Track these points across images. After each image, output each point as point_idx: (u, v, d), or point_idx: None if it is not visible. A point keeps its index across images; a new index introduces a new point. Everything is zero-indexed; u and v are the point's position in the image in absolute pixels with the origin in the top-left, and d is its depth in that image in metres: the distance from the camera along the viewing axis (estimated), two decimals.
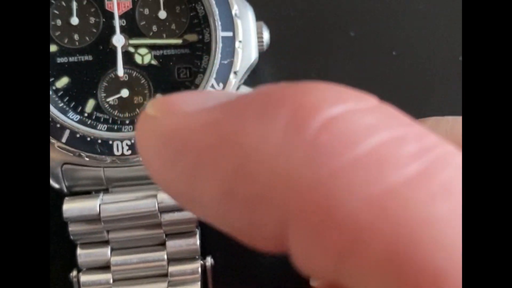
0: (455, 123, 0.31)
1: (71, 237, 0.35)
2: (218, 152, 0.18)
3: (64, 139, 0.34)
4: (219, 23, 0.35)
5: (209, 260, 0.36)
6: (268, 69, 0.40)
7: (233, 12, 0.35)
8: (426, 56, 0.41)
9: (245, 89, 0.36)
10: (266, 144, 0.17)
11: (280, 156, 0.17)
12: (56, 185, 0.36)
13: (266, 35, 0.37)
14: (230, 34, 0.35)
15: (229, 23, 0.35)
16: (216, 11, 0.35)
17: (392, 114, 0.19)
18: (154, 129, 0.19)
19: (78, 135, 0.34)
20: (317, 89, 0.19)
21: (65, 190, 0.36)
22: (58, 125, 0.34)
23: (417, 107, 0.41)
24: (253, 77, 0.39)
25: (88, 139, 0.34)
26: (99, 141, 0.34)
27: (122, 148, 0.34)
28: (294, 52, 0.41)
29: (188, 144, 0.19)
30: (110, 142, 0.34)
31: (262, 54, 0.38)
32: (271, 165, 0.17)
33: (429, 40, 0.41)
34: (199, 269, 0.36)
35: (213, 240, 0.39)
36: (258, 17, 0.38)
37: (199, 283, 0.36)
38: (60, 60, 0.36)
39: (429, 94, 0.40)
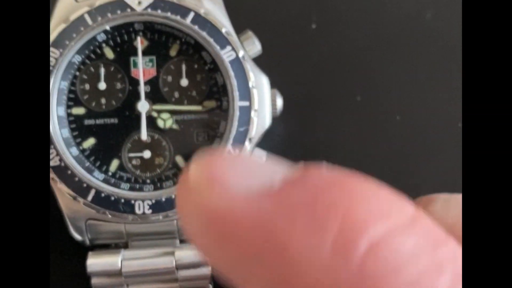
0: (450, 203, 0.32)
1: None
2: (264, 255, 0.18)
3: (90, 198, 0.36)
4: (237, 93, 0.37)
5: None
6: (279, 131, 0.42)
7: (250, 84, 0.37)
8: (428, 122, 0.43)
9: (259, 152, 0.38)
10: (313, 259, 0.18)
11: (327, 275, 0.17)
12: (79, 238, 0.37)
13: (279, 102, 0.39)
14: (246, 103, 0.37)
15: (246, 93, 0.37)
16: (234, 82, 0.37)
17: (428, 231, 0.20)
18: (197, 203, 0.19)
19: (103, 195, 0.36)
20: (363, 198, 0.19)
21: (87, 242, 0.38)
22: (85, 185, 0.36)
23: (418, 169, 0.43)
24: (266, 138, 0.41)
25: (112, 198, 0.36)
26: (122, 200, 0.36)
27: (144, 207, 0.36)
28: (304, 114, 0.42)
29: (233, 235, 0.19)
30: (132, 201, 0.36)
31: (275, 118, 0.40)
32: (316, 281, 0.18)
33: (430, 107, 0.43)
34: None
35: None
36: (271, 83, 0.40)
37: None
38: (87, 122, 0.38)
39: (430, 158, 0.42)
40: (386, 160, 0.42)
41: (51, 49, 0.36)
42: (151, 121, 0.38)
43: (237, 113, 0.37)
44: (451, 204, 0.31)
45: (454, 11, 0.44)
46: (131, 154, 0.38)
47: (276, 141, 0.42)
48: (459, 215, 0.31)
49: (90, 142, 0.38)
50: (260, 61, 0.40)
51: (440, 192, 0.35)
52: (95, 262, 0.37)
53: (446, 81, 0.43)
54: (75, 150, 0.37)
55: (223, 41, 0.37)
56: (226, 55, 0.37)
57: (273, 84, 0.40)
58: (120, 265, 0.37)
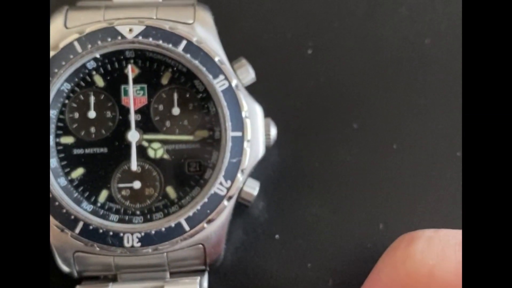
0: (433, 242, 0.32)
1: None
2: None
3: (77, 230, 0.35)
4: (230, 123, 0.36)
5: None
6: (273, 158, 0.41)
7: (243, 114, 0.36)
8: (425, 151, 0.42)
9: (251, 182, 0.37)
10: None
11: None
12: (67, 269, 0.36)
13: (273, 132, 0.38)
14: (239, 134, 0.36)
15: (239, 124, 0.36)
16: (227, 112, 0.36)
17: None
18: None
19: (91, 227, 0.35)
20: None
21: (75, 274, 0.37)
22: (72, 217, 0.35)
23: (416, 199, 0.42)
24: (259, 166, 0.40)
25: (100, 230, 0.35)
26: (111, 233, 0.35)
27: (133, 240, 0.35)
28: (299, 142, 0.42)
29: None
30: (121, 234, 0.35)
31: (269, 147, 0.39)
32: None
33: (428, 135, 0.42)
34: None
35: None
36: (266, 110, 0.39)
37: None
38: (76, 151, 0.37)
39: (427, 188, 0.41)
40: (382, 189, 0.41)
41: None
42: (142, 151, 0.37)
43: (229, 144, 0.36)
44: (433, 242, 0.32)
45: (453, 38, 0.44)
46: (121, 185, 0.37)
47: (270, 170, 0.41)
48: (440, 254, 0.31)
49: (78, 172, 0.37)
50: (254, 89, 0.39)
51: (436, 222, 0.34)
52: None
53: (444, 110, 0.43)
54: (63, 181, 0.37)
55: (216, 70, 0.36)
56: (219, 84, 0.36)
57: (267, 113, 0.39)
58: None
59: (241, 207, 0.40)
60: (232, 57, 0.39)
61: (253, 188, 0.37)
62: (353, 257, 0.40)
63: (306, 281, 0.40)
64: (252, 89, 0.39)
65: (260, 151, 0.37)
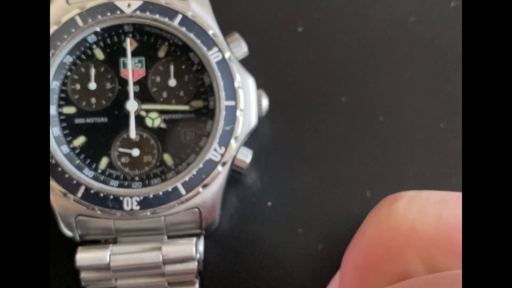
0: (415, 200, 0.34)
1: (82, 283, 0.38)
2: None
3: (79, 194, 0.37)
4: (223, 93, 0.37)
5: None
6: (266, 131, 0.42)
7: (236, 84, 0.38)
8: (410, 123, 0.43)
9: (244, 151, 0.39)
10: None
11: None
12: (69, 233, 0.38)
13: (265, 102, 0.39)
14: (232, 103, 0.38)
15: (232, 93, 0.38)
16: (221, 82, 0.37)
17: None
18: None
19: (92, 191, 0.37)
20: None
21: (77, 238, 0.38)
22: (75, 182, 0.36)
23: (401, 168, 0.43)
24: (252, 137, 0.41)
25: (101, 194, 0.37)
26: (111, 197, 0.37)
27: (132, 203, 0.37)
28: (290, 115, 0.43)
29: None
30: (121, 198, 0.37)
31: (261, 118, 0.40)
32: None
33: (413, 108, 0.43)
34: None
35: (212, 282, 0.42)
36: (258, 84, 0.40)
37: None
38: (77, 121, 0.38)
39: (412, 157, 0.43)
40: (369, 159, 0.43)
41: None
42: (140, 120, 0.39)
43: (223, 113, 0.38)
44: (415, 200, 0.34)
45: (436, 15, 0.45)
46: (121, 150, 0.38)
47: (263, 142, 0.43)
48: (421, 210, 0.33)
49: (80, 140, 0.38)
50: (246, 63, 0.40)
51: (420, 189, 0.36)
52: (84, 256, 0.37)
53: (428, 84, 0.44)
54: (65, 148, 0.38)
55: (210, 43, 0.38)
56: (213, 56, 0.38)
57: (260, 85, 0.40)
58: (108, 260, 0.37)
59: (235, 177, 0.41)
60: (225, 33, 0.40)
61: (246, 155, 0.39)
62: (341, 222, 0.42)
63: (297, 246, 0.41)
64: (245, 63, 0.40)
65: (253, 120, 0.39)
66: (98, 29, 0.38)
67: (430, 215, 0.32)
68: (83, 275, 0.37)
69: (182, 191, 0.37)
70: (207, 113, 0.39)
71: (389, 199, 0.35)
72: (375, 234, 0.33)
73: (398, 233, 0.32)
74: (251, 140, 0.41)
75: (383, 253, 0.33)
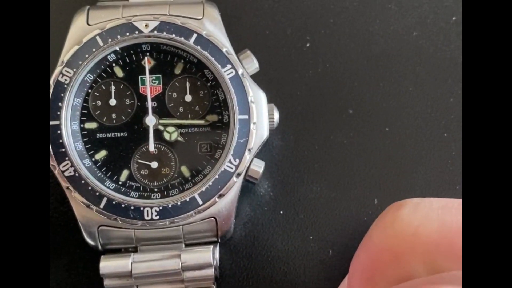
0: (419, 206, 0.34)
1: None
2: None
3: (102, 205, 0.38)
4: (237, 108, 0.39)
5: None
6: (277, 142, 0.44)
7: (249, 99, 0.39)
8: (415, 133, 0.45)
9: (257, 162, 0.40)
10: None
11: None
12: (92, 243, 0.39)
13: (276, 116, 0.41)
14: (246, 117, 0.39)
15: (246, 108, 0.39)
16: (234, 97, 0.39)
17: None
18: None
19: (114, 202, 0.38)
20: None
21: (99, 247, 0.39)
22: (97, 193, 0.38)
23: (407, 176, 0.45)
24: (264, 149, 0.43)
25: (122, 205, 0.38)
26: (132, 207, 0.38)
27: (151, 213, 0.38)
28: (300, 127, 0.44)
29: None
30: (141, 208, 0.38)
31: (273, 131, 0.42)
32: None
33: (417, 118, 0.45)
34: None
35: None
36: (269, 99, 0.41)
37: None
38: (99, 135, 0.40)
39: (417, 166, 0.44)
40: (376, 168, 0.44)
41: (66, 69, 0.38)
42: (158, 134, 0.40)
43: (237, 126, 0.39)
44: (419, 207, 0.34)
45: (438, 30, 0.46)
46: (140, 165, 0.40)
47: (274, 152, 0.44)
48: (424, 216, 0.33)
49: (102, 154, 0.40)
50: (258, 78, 0.42)
51: (425, 197, 0.37)
52: (107, 265, 0.38)
53: (431, 95, 0.45)
54: (88, 162, 0.39)
55: (224, 60, 0.39)
56: (226, 73, 0.39)
57: (271, 99, 0.42)
58: (130, 267, 0.38)
59: (249, 187, 0.43)
60: (237, 50, 0.41)
61: (259, 166, 0.40)
62: (350, 229, 0.43)
63: (308, 252, 0.43)
64: (256, 78, 0.41)
65: (265, 133, 0.40)
66: (117, 48, 0.39)
67: (433, 220, 0.34)
68: (107, 282, 0.39)
69: (199, 201, 0.38)
70: (222, 127, 0.40)
71: (394, 206, 0.36)
72: (380, 239, 0.35)
73: (402, 238, 0.33)
74: (263, 152, 0.43)
75: (388, 258, 0.34)
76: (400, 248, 0.33)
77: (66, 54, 0.39)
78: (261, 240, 0.43)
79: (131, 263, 0.38)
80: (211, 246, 0.39)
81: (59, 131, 0.38)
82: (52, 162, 0.38)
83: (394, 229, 0.34)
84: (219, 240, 0.40)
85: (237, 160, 0.39)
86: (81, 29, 0.40)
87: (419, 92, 0.45)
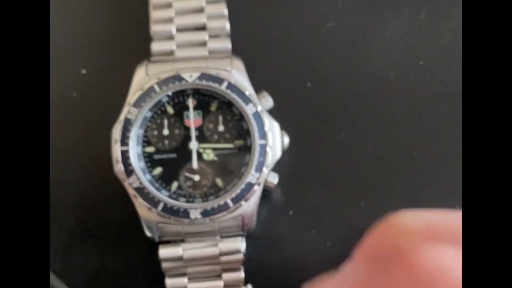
0: (419, 215, 0.35)
1: (163, 270, 0.48)
2: None
3: (160, 208, 0.47)
4: (257, 135, 0.49)
5: (249, 286, 0.51)
6: (287, 159, 0.53)
7: (266, 128, 0.49)
8: (393, 151, 0.54)
9: (273, 175, 0.50)
10: None
11: None
12: (150, 235, 0.50)
13: (286, 140, 0.51)
14: (264, 142, 0.49)
15: (263, 135, 0.49)
16: (255, 128, 0.49)
17: None
18: None
19: (168, 206, 0.49)
20: None
21: (156, 239, 0.48)
22: (156, 199, 0.48)
23: (386, 191, 0.53)
24: (278, 165, 0.52)
25: (175, 208, 0.48)
26: (181, 209, 0.49)
27: (196, 214, 0.49)
28: (305, 148, 0.54)
29: None
30: (188, 210, 0.49)
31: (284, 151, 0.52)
32: None
33: (392, 140, 0.54)
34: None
35: (251, 274, 0.52)
36: (281, 126, 0.51)
37: None
38: (156, 157, 0.49)
39: (395, 181, 0.52)
40: (363, 180, 0.53)
41: (132, 108, 0.49)
42: (199, 155, 0.49)
43: (257, 149, 0.48)
44: (420, 215, 0.36)
45: (411, 71, 0.54)
46: (186, 178, 0.50)
47: (285, 168, 0.52)
48: (428, 223, 0.35)
49: (158, 170, 0.49)
50: (272, 112, 0.50)
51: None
52: (164, 251, 0.48)
53: (403, 122, 0.54)
54: (148, 176, 0.49)
55: (247, 100, 0.49)
56: (249, 109, 0.49)
57: (282, 127, 0.50)
58: (181, 253, 0.48)
59: (266, 193, 0.50)
60: (256, 90, 0.51)
61: (274, 178, 0.50)
62: (343, 225, 0.52)
63: (311, 243, 0.52)
64: (270, 112, 0.51)
65: (278, 153, 0.50)
66: (170, 93, 0.49)
67: (432, 217, 0.36)
68: (164, 265, 0.48)
69: (231, 204, 0.48)
70: (246, 149, 0.49)
71: (392, 216, 0.38)
72: (382, 233, 0.38)
73: (400, 232, 0.36)
74: (276, 167, 0.51)
75: (388, 249, 0.35)
76: (399, 241, 0.34)
77: (132, 97, 0.49)
78: (275, 234, 0.52)
79: (182, 250, 0.49)
80: (240, 238, 0.50)
81: (127, 154, 0.49)
82: (123, 176, 0.48)
83: (394, 224, 0.36)
84: (245, 234, 0.49)
85: (258, 174, 0.49)
86: (142, 78, 0.49)
87: (396, 119, 0.54)
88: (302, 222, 0.52)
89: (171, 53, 0.52)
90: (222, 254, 0.48)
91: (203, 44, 0.52)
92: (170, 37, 0.52)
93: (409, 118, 0.54)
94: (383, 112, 0.54)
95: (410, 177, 0.53)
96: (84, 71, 0.56)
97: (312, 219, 0.52)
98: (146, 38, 0.52)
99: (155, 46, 0.52)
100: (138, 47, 0.53)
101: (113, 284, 0.52)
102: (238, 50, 0.51)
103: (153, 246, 0.49)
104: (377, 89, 0.54)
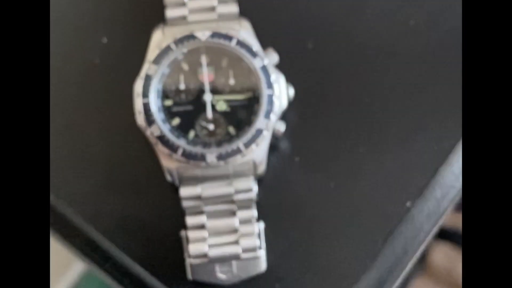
0: None
1: (183, 208, 0.52)
2: None
3: (179, 153, 0.51)
4: (265, 86, 0.54)
5: (261, 223, 0.56)
6: (292, 113, 0.58)
7: (272, 80, 0.54)
8: (391, 103, 0.61)
9: (280, 123, 0.56)
10: None
11: None
12: (171, 179, 0.54)
13: (291, 91, 0.56)
14: (271, 92, 0.54)
15: (270, 85, 0.54)
16: (263, 79, 0.54)
17: None
18: None
19: (187, 151, 0.53)
20: None
21: (177, 182, 0.52)
22: (175, 146, 0.53)
23: (380, 138, 0.60)
24: (283, 115, 0.57)
25: (193, 153, 0.53)
26: (199, 154, 0.53)
27: (212, 158, 0.53)
28: (308, 104, 0.58)
29: None
30: (205, 154, 0.53)
31: (289, 103, 0.57)
32: None
33: (391, 91, 0.61)
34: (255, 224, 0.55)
35: (262, 212, 0.56)
36: (286, 80, 0.56)
37: (254, 231, 0.54)
38: (174, 109, 0.52)
39: (392, 129, 0.57)
40: (360, 131, 0.57)
41: (152, 65, 0.54)
42: (213, 107, 0.52)
43: (265, 98, 0.52)
44: None
45: (402, 31, 0.60)
46: (201, 127, 0.54)
47: (290, 124, 0.56)
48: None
49: (176, 121, 0.53)
50: (278, 66, 0.53)
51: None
52: (185, 191, 0.52)
53: (399, 77, 0.61)
54: (168, 126, 0.52)
55: (254, 54, 0.54)
56: (256, 63, 0.52)
57: (287, 80, 0.53)
58: (200, 192, 0.52)
59: (275, 144, 0.54)
60: (263, 47, 0.55)
61: (281, 126, 0.54)
62: (345, 169, 0.58)
63: (316, 184, 0.56)
64: (277, 67, 0.55)
65: (284, 103, 0.54)
66: (185, 50, 0.53)
67: None
68: (184, 203, 0.52)
69: (242, 148, 0.52)
70: (255, 100, 0.52)
71: None
72: None
73: None
74: (283, 117, 0.56)
75: None
76: None
77: (151, 55, 0.52)
78: (281, 177, 0.56)
79: (201, 190, 0.54)
80: (252, 177, 0.54)
81: (149, 106, 0.53)
82: (146, 126, 0.53)
83: None
84: (257, 177, 0.53)
85: (266, 120, 0.53)
86: (159, 38, 0.52)
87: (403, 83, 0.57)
88: (308, 167, 0.56)
89: (184, 18, 0.57)
90: (236, 192, 0.53)
91: (212, 9, 0.56)
92: (182, 4, 0.57)
93: (403, 73, 0.58)
94: (380, 65, 0.58)
95: (405, 124, 0.56)
96: (105, 40, 0.61)
97: (316, 164, 0.56)
98: (161, 5, 0.58)
99: (169, 13, 0.57)
100: (154, 15, 0.59)
101: (139, 227, 0.57)
102: (246, 13, 0.55)
103: (174, 192, 0.53)
104: (374, 47, 0.58)
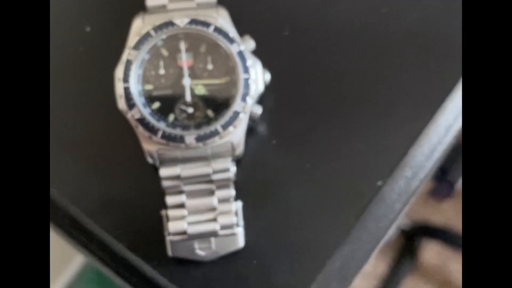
0: None
1: (163, 188, 0.54)
2: None
3: (159, 135, 0.53)
4: (242, 70, 0.56)
5: (239, 202, 0.59)
6: (269, 98, 0.60)
7: (249, 65, 0.56)
8: (366, 87, 0.64)
9: (257, 107, 0.59)
10: None
11: None
12: (151, 161, 0.56)
13: (267, 76, 0.58)
14: (247, 76, 0.56)
15: (246, 70, 0.56)
16: (240, 64, 0.56)
17: None
18: None
19: (166, 133, 0.55)
20: None
21: (157, 164, 0.53)
22: (155, 128, 0.55)
23: (352, 120, 0.64)
24: (260, 100, 0.59)
25: (172, 135, 0.55)
26: (178, 136, 0.55)
27: (191, 139, 0.55)
28: (284, 87, 0.61)
29: None
30: (184, 136, 0.55)
31: (266, 87, 0.59)
32: None
33: (365, 74, 0.64)
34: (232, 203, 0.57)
35: (240, 192, 0.57)
36: (264, 65, 0.58)
37: (232, 210, 0.55)
38: (154, 93, 0.54)
39: (366, 111, 0.63)
40: (334, 112, 0.60)
41: (132, 51, 0.56)
42: (192, 90, 0.54)
43: (242, 82, 0.53)
44: None
45: (375, 18, 0.64)
46: (181, 111, 0.56)
47: (267, 108, 0.58)
48: None
49: (156, 105, 0.54)
50: (255, 53, 0.55)
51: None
52: (164, 171, 0.54)
53: (373, 59, 0.65)
54: (148, 109, 0.55)
55: (231, 40, 0.56)
56: (233, 48, 0.54)
57: (264, 66, 0.55)
58: (179, 172, 0.54)
59: (252, 127, 0.56)
60: (240, 34, 0.57)
61: (258, 109, 0.56)
62: (319, 150, 0.60)
63: (292, 165, 0.58)
64: (253, 53, 0.57)
65: (260, 87, 0.56)
66: (164, 36, 0.54)
67: None
68: (164, 183, 0.53)
69: (220, 130, 0.53)
70: (232, 84, 0.54)
71: None
72: None
73: None
74: (260, 101, 0.59)
75: None
76: None
77: (131, 41, 0.54)
78: (259, 158, 0.57)
79: (180, 170, 0.56)
80: (229, 158, 0.56)
81: (129, 90, 0.55)
82: (126, 109, 0.55)
83: None
84: (234, 158, 0.55)
85: (243, 103, 0.55)
86: (139, 25, 0.54)
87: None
88: (284, 149, 0.58)
89: (163, 6, 0.59)
90: (214, 172, 0.54)
91: None
92: None
93: (375, 58, 0.60)
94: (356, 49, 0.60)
95: (377, 107, 0.58)
96: (88, 29, 0.63)
97: (292, 146, 0.58)
98: None
99: (150, 1, 0.59)
100: (135, 4, 0.61)
101: (122, 207, 0.59)
102: (223, 2, 0.56)
103: (155, 173, 0.55)
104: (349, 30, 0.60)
